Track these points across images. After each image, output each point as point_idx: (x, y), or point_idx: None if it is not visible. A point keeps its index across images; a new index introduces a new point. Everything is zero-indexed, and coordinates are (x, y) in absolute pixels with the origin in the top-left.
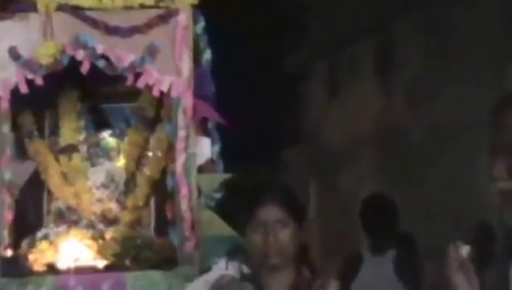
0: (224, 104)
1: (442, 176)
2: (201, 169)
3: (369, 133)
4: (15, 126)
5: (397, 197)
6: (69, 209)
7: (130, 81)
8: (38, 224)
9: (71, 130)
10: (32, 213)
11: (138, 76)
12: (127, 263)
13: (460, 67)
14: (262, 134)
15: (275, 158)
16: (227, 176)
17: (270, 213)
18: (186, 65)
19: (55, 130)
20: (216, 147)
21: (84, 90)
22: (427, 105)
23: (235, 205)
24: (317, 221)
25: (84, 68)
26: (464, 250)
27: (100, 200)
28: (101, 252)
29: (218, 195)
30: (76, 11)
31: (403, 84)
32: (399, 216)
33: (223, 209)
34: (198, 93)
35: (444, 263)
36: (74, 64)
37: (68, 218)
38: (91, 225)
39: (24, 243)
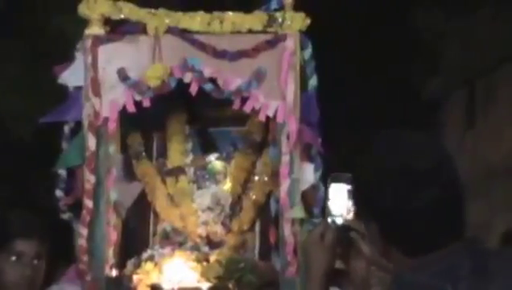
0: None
1: None
2: (304, 194)
3: (506, 164)
4: (124, 147)
5: None
6: (175, 230)
7: (236, 105)
8: (143, 245)
9: (178, 153)
10: (138, 233)
11: (244, 100)
12: (230, 285)
13: None
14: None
15: None
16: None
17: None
18: (291, 91)
19: (162, 152)
20: (318, 173)
21: (192, 113)
22: None
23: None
24: None
25: (193, 90)
26: None
27: (205, 223)
28: (204, 274)
29: (319, 221)
30: (185, 34)
31: None
32: None
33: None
34: (303, 119)
35: None
36: (182, 86)
37: (174, 240)
38: (196, 248)
39: (129, 264)
